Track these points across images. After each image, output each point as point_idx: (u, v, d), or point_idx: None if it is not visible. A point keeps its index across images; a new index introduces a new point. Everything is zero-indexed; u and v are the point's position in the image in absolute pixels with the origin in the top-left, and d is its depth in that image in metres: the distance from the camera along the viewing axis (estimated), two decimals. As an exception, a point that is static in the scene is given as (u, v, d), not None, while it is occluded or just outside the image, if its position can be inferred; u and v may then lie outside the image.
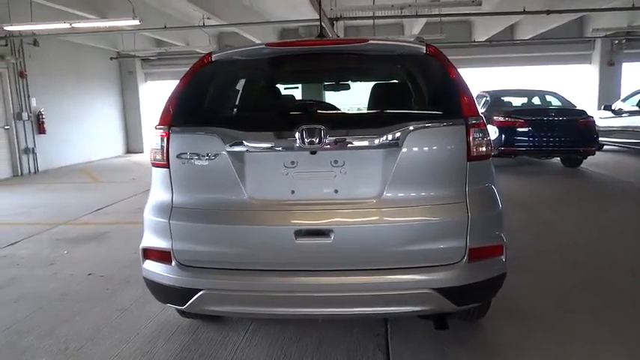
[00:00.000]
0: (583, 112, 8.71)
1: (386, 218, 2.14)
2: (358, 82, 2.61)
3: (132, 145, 15.41)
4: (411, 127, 2.14)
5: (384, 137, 2.13)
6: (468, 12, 10.83)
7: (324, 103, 2.54)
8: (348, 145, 2.15)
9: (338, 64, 2.52)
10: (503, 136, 8.32)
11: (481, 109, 9.58)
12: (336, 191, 2.18)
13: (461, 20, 12.94)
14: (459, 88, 2.25)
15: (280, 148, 2.17)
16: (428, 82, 2.41)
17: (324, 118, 2.24)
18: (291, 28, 12.91)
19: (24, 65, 10.83)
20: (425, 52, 2.37)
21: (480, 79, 14.73)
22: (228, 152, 2.19)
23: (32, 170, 10.85)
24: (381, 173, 2.16)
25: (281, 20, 9.77)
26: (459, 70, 2.34)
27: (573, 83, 14.77)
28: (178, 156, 2.23)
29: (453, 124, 2.17)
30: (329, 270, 2.15)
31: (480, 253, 2.19)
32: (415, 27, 11.71)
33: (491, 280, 2.23)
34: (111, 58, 14.25)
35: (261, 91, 2.53)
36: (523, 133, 8.34)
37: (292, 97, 2.65)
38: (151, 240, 2.30)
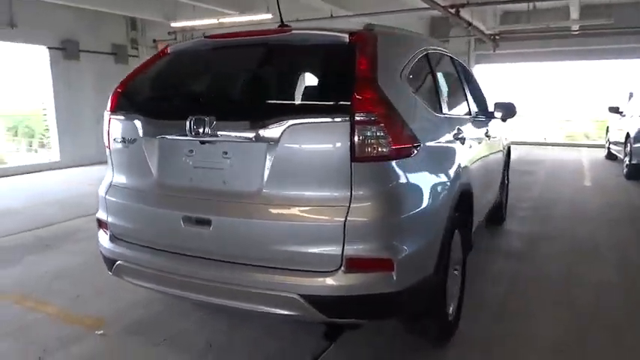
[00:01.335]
0: None
1: (260, 215, 2.07)
2: (280, 73, 2.49)
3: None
4: (290, 122, 2.01)
5: (263, 131, 2.05)
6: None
7: (232, 92, 2.49)
8: (230, 138, 2.13)
9: (262, 55, 2.46)
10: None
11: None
12: (224, 182, 2.18)
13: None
14: (358, 81, 1.99)
15: (177, 137, 2.25)
16: (334, 73, 2.19)
17: (214, 108, 2.23)
18: (440, 16, 12.28)
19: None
20: (347, 41, 2.18)
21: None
22: (142, 138, 2.36)
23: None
24: (261, 168, 2.07)
25: (412, 8, 9.39)
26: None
27: None
28: (114, 139, 2.49)
29: (336, 120, 1.96)
30: (208, 258, 2.18)
31: (361, 265, 1.97)
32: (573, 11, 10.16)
33: (373, 296, 1.99)
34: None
35: (184, 82, 2.60)
36: None
37: (209, 87, 2.63)
38: (99, 212, 2.62)
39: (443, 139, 2.56)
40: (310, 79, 2.14)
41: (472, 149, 3.10)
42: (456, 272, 2.82)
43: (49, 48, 9.89)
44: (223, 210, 2.14)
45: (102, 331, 2.85)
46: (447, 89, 3.11)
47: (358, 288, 1.97)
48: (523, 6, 10.26)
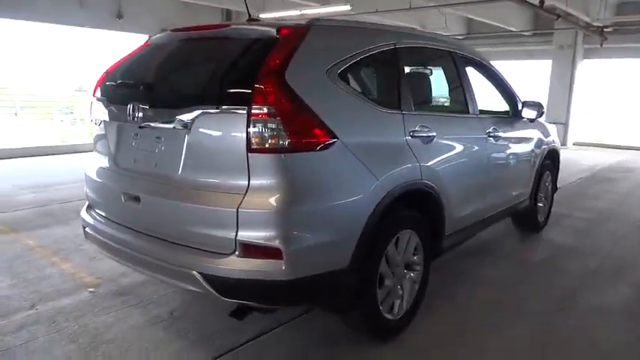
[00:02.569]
0: None
1: (174, 196, 2.25)
2: (212, 64, 2.58)
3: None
4: (200, 111, 2.15)
5: (181, 119, 2.21)
6: None
7: (168, 82, 2.61)
8: (158, 124, 2.32)
9: (202, 47, 2.58)
10: None
11: None
12: (155, 165, 2.39)
13: None
14: (261, 74, 2.05)
15: (124, 122, 2.50)
16: (251, 66, 2.22)
17: (150, 96, 2.42)
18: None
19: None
20: (274, 35, 2.26)
21: None
22: (107, 121, 2.67)
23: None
24: (180, 154, 2.25)
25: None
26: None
27: None
28: (93, 121, 2.83)
29: (236, 111, 2.06)
30: (138, 231, 2.43)
31: (253, 251, 2.07)
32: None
33: (263, 282, 2.08)
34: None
35: (143, 71, 2.78)
36: None
37: (154, 76, 2.63)
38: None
39: (385, 136, 2.51)
40: (233, 71, 2.23)
41: (449, 148, 2.99)
42: (412, 274, 2.78)
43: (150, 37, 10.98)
44: (149, 189, 2.37)
45: (93, 289, 3.27)
46: (421, 85, 2.99)
47: (249, 273, 2.08)
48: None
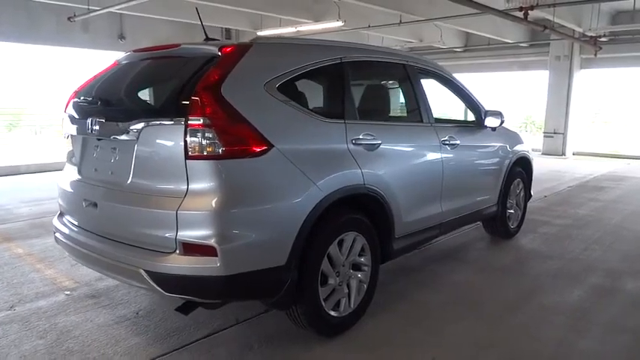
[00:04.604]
0: None
1: (125, 202, 2.47)
2: (161, 81, 2.80)
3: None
4: (145, 124, 2.38)
5: (131, 131, 2.44)
6: None
7: (123, 98, 2.83)
8: (113, 136, 2.55)
9: (155, 65, 2.80)
10: None
11: None
12: (111, 173, 2.62)
13: None
14: (198, 89, 2.26)
15: (86, 135, 2.74)
16: (192, 82, 2.43)
17: (107, 111, 2.65)
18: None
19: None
20: (216, 53, 2.48)
21: None
22: (71, 135, 2.91)
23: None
24: (130, 163, 2.47)
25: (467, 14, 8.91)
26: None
27: None
28: (64, 135, 3.08)
29: (175, 122, 2.28)
30: (97, 235, 2.64)
31: (192, 249, 2.26)
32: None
33: (201, 278, 2.27)
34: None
35: (105, 88, 3.00)
36: None
37: (112, 92, 2.86)
38: None
39: (325, 144, 2.70)
40: (176, 86, 2.45)
41: (396, 155, 3.16)
42: (360, 274, 2.94)
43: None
44: (105, 196, 2.59)
45: (69, 292, 3.49)
46: (368, 96, 3.19)
47: (189, 269, 2.27)
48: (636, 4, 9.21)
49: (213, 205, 2.24)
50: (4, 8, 8.97)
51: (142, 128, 2.39)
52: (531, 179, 5.21)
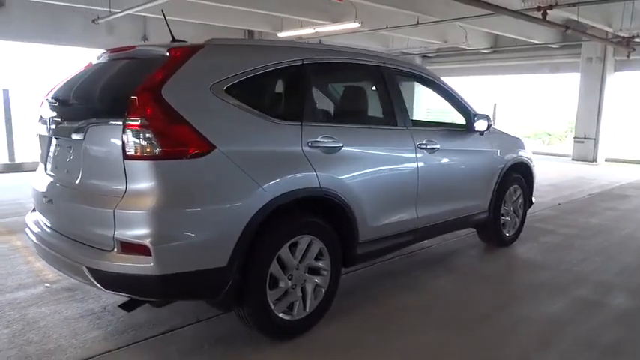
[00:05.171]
0: None
1: (73, 200, 2.54)
2: (115, 82, 2.83)
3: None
4: (90, 124, 2.43)
5: (80, 131, 2.50)
6: None
7: (79, 98, 2.85)
8: (67, 136, 2.61)
9: (115, 66, 2.83)
10: None
11: None
12: (67, 172, 2.69)
13: None
14: (139, 90, 2.29)
15: (47, 134, 2.82)
16: (139, 82, 2.45)
17: (63, 111, 2.72)
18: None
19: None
20: (165, 54, 2.51)
21: None
22: (39, 135, 3.00)
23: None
24: (80, 162, 2.53)
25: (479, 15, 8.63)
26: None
27: None
28: (36, 134, 3.17)
29: (115, 123, 2.32)
30: (54, 230, 2.72)
31: (129, 248, 2.30)
32: None
33: (137, 276, 2.30)
34: (388, 57, 15.67)
35: (71, 88, 3.00)
36: None
37: (73, 93, 2.84)
38: None
39: (275, 146, 2.67)
40: (122, 87, 2.48)
41: (361, 158, 3.10)
42: (318, 278, 2.91)
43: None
44: (59, 193, 2.67)
45: (49, 285, 3.62)
46: (331, 98, 3.15)
47: (126, 267, 2.31)
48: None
49: (149, 205, 2.26)
50: (29, 11, 9.40)
51: (88, 128, 2.45)
52: (532, 186, 5.02)
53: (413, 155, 3.47)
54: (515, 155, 4.60)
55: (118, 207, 2.30)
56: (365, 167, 3.13)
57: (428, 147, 3.58)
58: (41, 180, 2.96)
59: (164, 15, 3.17)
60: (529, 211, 5.12)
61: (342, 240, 3.03)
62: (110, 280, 2.36)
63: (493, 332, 3.00)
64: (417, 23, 9.43)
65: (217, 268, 2.43)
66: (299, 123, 2.80)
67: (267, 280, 2.64)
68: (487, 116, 4.04)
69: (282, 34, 11.58)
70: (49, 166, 2.92)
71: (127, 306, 2.58)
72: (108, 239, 2.34)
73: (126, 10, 8.64)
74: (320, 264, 2.93)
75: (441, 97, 4.10)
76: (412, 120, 3.96)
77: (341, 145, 2.95)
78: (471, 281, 3.87)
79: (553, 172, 10.38)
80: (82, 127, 2.48)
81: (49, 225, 2.79)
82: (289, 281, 2.76)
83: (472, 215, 4.21)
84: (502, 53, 14.20)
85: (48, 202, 2.75)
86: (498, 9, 7.24)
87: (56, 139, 2.74)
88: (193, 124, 2.35)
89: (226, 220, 2.44)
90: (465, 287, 3.74)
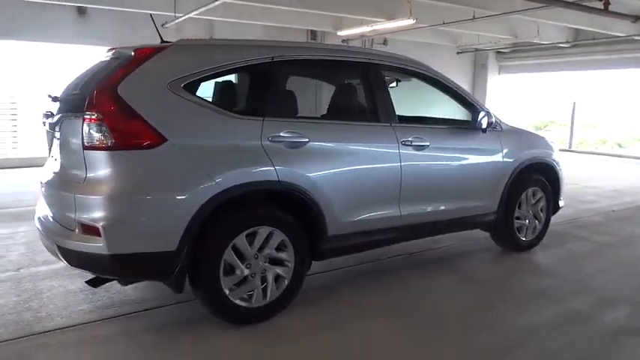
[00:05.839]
0: None
1: (55, 185, 2.86)
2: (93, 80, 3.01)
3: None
4: (62, 117, 2.72)
5: (57, 124, 2.80)
6: None
7: (68, 94, 2.95)
8: (54, 128, 2.94)
9: (100, 65, 3.08)
10: None
11: None
12: (55, 160, 3.02)
13: None
14: (97, 87, 2.56)
15: (46, 126, 3.18)
16: (100, 80, 2.65)
17: (55, 106, 3.03)
18: None
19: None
20: (131, 54, 2.75)
21: None
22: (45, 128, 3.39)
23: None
24: (60, 152, 2.86)
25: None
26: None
27: None
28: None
29: (75, 116, 2.59)
30: (46, 215, 3.06)
31: (86, 229, 2.57)
32: None
33: (92, 255, 2.56)
34: (457, 53, 15.16)
35: (69, 84, 3.13)
36: None
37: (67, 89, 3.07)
38: None
39: (231, 140, 2.81)
40: (90, 84, 2.72)
41: (329, 153, 3.14)
42: (280, 269, 3.01)
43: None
44: (48, 180, 3.00)
45: (21, 269, 3.97)
46: (301, 94, 3.20)
47: (83, 246, 2.58)
48: None
49: (102, 191, 2.52)
50: (108, 18, 10.34)
51: (62, 121, 2.76)
52: (558, 189, 4.68)
53: (395, 151, 3.43)
54: (533, 155, 4.34)
55: (78, 192, 2.58)
56: (335, 162, 3.16)
57: (414, 144, 3.52)
58: (44, 169, 3.35)
59: (153, 20, 3.41)
60: (570, 216, 4.80)
61: (308, 233, 3.10)
62: (73, 258, 2.65)
63: (449, 335, 2.92)
64: (473, 18, 9.07)
65: (166, 252, 2.63)
66: (261, 118, 2.91)
67: (221, 266, 2.79)
68: (488, 113, 3.88)
69: (341, 33, 11.67)
70: (49, 155, 3.30)
71: (92, 282, 2.86)
72: (72, 221, 2.64)
73: (187, 14, 9.23)
74: (283, 255, 3.02)
75: (444, 94, 3.99)
76: (408, 116, 3.91)
77: (306, 139, 3.02)
78: (461, 284, 3.75)
79: (623, 176, 9.50)
80: (59, 121, 2.80)
81: (43, 209, 3.16)
82: (247, 270, 2.88)
83: (475, 216, 4.06)
84: (582, 47, 13.15)
85: (43, 188, 3.12)
86: (553, 1, 6.77)
87: (52, 132, 3.10)
88: (146, 118, 2.57)
89: (174, 209, 2.63)
90: (451, 290, 3.63)
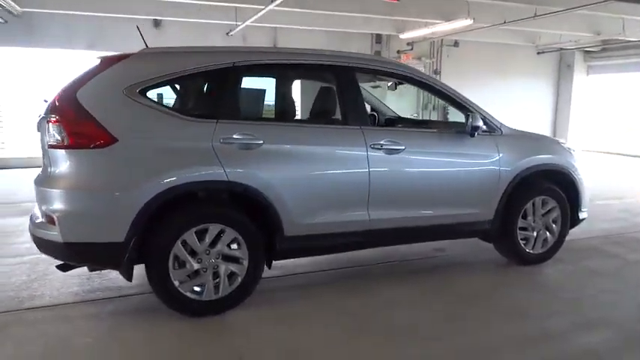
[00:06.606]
0: None
1: (42, 183, 3.21)
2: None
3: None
4: (40, 118, 3.07)
5: (38, 125, 3.15)
6: None
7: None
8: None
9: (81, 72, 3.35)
10: None
11: None
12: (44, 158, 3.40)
13: None
14: (60, 91, 2.85)
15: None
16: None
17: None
18: None
19: (439, 64, 13.25)
20: (98, 62, 3.04)
21: None
22: None
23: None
24: (41, 149, 3.22)
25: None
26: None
27: None
28: None
29: (44, 118, 2.92)
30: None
31: (47, 219, 2.91)
32: None
33: (51, 242, 2.87)
34: (537, 53, 14.20)
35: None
36: None
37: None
38: None
39: (181, 142, 2.98)
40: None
41: (285, 155, 3.20)
42: (233, 265, 3.14)
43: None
44: (38, 178, 3.39)
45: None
46: (257, 97, 3.29)
47: (44, 234, 2.92)
48: None
49: (59, 185, 2.85)
50: (182, 29, 11.16)
51: (41, 121, 3.12)
52: (577, 199, 4.27)
53: (363, 154, 3.39)
54: (541, 161, 4.03)
55: (44, 186, 2.92)
56: (292, 164, 3.21)
57: (385, 147, 3.45)
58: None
59: (139, 30, 3.68)
60: (606, 232, 4.34)
61: (264, 233, 3.19)
62: (41, 244, 3.00)
63: (388, 347, 2.84)
64: (535, 15, 8.50)
65: (115, 243, 2.87)
66: (215, 120, 3.06)
67: (170, 259, 2.98)
68: (477, 116, 3.67)
69: (403, 36, 11.53)
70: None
71: (61, 267, 3.19)
72: (41, 212, 2.98)
73: (245, 22, 9.70)
74: (236, 253, 3.14)
75: (434, 95, 3.87)
76: (407, 119, 3.81)
77: (260, 141, 3.11)
78: (435, 294, 3.58)
79: None
80: (39, 122, 3.17)
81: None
82: (197, 264, 3.04)
83: (464, 224, 3.86)
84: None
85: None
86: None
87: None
88: (99, 121, 2.84)
89: (122, 204, 2.87)
90: (422, 301, 3.48)
